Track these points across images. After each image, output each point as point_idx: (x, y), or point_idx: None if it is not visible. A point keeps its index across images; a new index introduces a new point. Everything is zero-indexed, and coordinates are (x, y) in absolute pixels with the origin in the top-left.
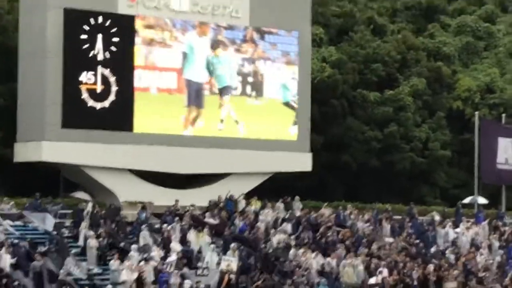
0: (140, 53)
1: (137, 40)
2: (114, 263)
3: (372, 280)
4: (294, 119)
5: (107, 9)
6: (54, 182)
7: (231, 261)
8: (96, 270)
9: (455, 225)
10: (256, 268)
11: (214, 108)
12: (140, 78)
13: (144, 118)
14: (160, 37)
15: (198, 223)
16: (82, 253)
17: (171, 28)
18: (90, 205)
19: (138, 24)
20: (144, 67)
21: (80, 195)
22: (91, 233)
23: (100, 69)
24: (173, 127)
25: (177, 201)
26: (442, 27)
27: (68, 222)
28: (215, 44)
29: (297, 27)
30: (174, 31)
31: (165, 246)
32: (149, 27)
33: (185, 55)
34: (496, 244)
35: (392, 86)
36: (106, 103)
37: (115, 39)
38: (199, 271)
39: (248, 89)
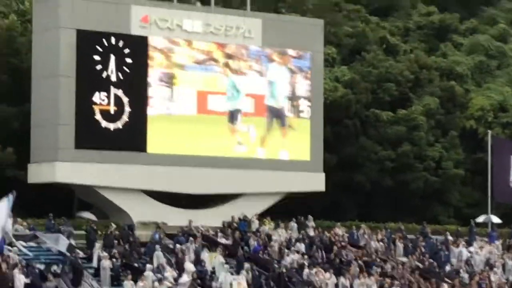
0: (153, 73)
1: (151, 61)
2: (127, 284)
3: None
4: (307, 139)
5: (120, 30)
6: (68, 202)
7: (241, 280)
8: None
9: (469, 244)
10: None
11: (229, 129)
12: (153, 99)
13: (158, 139)
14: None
15: (211, 243)
16: (96, 274)
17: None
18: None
19: (151, 45)
20: (157, 87)
21: (86, 215)
22: (105, 254)
23: (113, 90)
24: (186, 147)
25: (190, 221)
26: (455, 46)
27: (81, 243)
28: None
29: (310, 47)
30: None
31: (179, 266)
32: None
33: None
34: (510, 263)
35: (405, 105)
36: (119, 124)
37: (128, 60)
38: None
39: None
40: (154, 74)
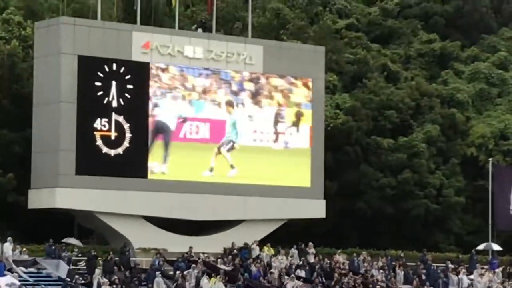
0: (154, 100)
1: (151, 88)
2: None
3: None
4: (308, 166)
5: (121, 56)
6: (68, 228)
7: None
8: None
9: (469, 271)
10: None
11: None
12: (154, 125)
13: (158, 165)
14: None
15: (211, 270)
16: None
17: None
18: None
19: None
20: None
21: (72, 241)
22: (105, 280)
23: (114, 116)
24: (187, 174)
25: (191, 247)
26: (456, 74)
27: (82, 269)
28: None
29: (311, 74)
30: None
31: None
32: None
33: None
34: None
35: (406, 132)
36: (120, 150)
37: (129, 86)
38: None
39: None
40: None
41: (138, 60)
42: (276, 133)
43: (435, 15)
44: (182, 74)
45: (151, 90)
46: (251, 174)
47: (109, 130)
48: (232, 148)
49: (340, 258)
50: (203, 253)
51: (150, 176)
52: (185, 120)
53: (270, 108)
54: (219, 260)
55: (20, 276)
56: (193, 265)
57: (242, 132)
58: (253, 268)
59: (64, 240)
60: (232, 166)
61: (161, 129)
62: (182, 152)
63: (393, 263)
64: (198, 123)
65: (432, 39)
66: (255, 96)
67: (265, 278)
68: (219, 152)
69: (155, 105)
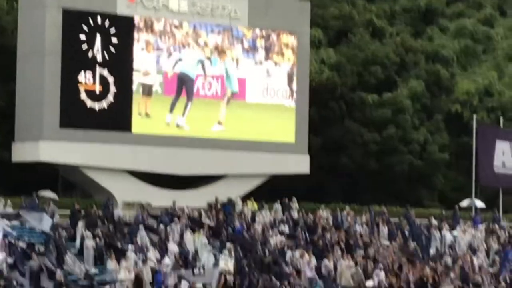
0: (138, 53)
1: (136, 41)
2: (111, 263)
3: (369, 283)
4: (292, 121)
5: (106, 9)
6: (52, 182)
7: (228, 261)
8: (93, 270)
9: (452, 228)
10: (252, 269)
11: (212, 110)
12: (143, 79)
13: (143, 119)
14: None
15: (195, 224)
16: (79, 253)
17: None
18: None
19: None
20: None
21: (47, 194)
22: (88, 233)
23: (98, 70)
24: (171, 128)
25: (174, 202)
26: (441, 30)
27: (65, 223)
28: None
29: (296, 29)
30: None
31: (162, 246)
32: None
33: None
34: (495, 246)
35: (390, 88)
36: (104, 104)
37: (114, 40)
38: (195, 271)
39: (248, 91)
40: (142, 54)
41: (122, 13)
42: (264, 88)
43: None
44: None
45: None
46: (235, 129)
47: (94, 83)
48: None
49: (323, 213)
50: (187, 207)
51: (134, 130)
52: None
53: (262, 64)
54: (202, 214)
55: (3, 229)
56: (176, 219)
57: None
58: (237, 223)
59: (38, 192)
60: (219, 122)
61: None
62: (165, 106)
63: (376, 219)
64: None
65: None
66: (248, 51)
67: (248, 233)
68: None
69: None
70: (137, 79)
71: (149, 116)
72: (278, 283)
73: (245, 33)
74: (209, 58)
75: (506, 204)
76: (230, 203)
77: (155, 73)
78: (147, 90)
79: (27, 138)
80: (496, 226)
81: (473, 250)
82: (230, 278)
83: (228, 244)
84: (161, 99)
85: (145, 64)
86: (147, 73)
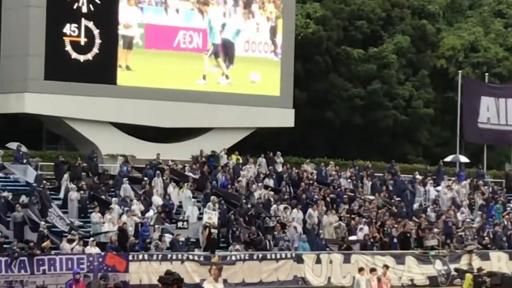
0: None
1: None
2: (95, 216)
3: (353, 237)
4: (278, 75)
5: None
6: (37, 134)
7: (212, 215)
8: (77, 222)
9: (437, 183)
10: (237, 222)
11: (197, 64)
12: (124, 31)
13: (127, 72)
14: None
15: (179, 177)
16: (63, 206)
17: None
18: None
19: None
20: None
21: (14, 146)
22: (73, 185)
23: (84, 22)
24: (156, 81)
25: (158, 154)
26: None
27: (49, 175)
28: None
29: None
30: None
31: (146, 199)
32: None
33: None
34: (479, 201)
35: (376, 43)
36: (89, 56)
37: None
38: (179, 225)
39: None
40: (125, 7)
41: None
42: (248, 42)
43: None
44: None
45: None
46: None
47: (79, 35)
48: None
49: (308, 167)
50: (172, 161)
51: (119, 83)
52: None
53: (249, 19)
54: (186, 167)
55: None
56: (158, 172)
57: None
58: (221, 176)
59: (7, 145)
60: (204, 77)
61: None
62: (147, 59)
63: (361, 173)
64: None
65: None
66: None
67: (232, 187)
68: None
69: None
70: (121, 31)
71: (129, 69)
72: (262, 236)
73: None
74: (192, 10)
75: (490, 159)
76: (214, 156)
77: (136, 26)
78: (128, 43)
79: (12, 90)
80: (480, 181)
81: (457, 205)
82: (214, 231)
83: (213, 198)
84: (142, 52)
85: (129, 17)
86: (128, 25)
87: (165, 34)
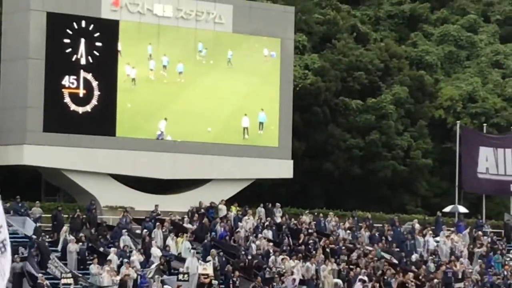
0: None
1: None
2: (94, 267)
3: None
4: (276, 126)
5: (90, 13)
6: (35, 185)
7: (206, 266)
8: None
9: (436, 233)
10: (235, 274)
11: (198, 115)
12: (123, 83)
13: (126, 123)
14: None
15: (178, 229)
16: (62, 257)
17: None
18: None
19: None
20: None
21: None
22: (71, 237)
23: (82, 74)
24: (154, 132)
25: (156, 206)
26: (425, 36)
27: (48, 227)
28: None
29: (280, 34)
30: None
31: (146, 251)
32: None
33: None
34: (477, 251)
35: (374, 94)
36: (88, 108)
37: (98, 44)
38: (180, 277)
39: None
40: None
41: (107, 17)
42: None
43: None
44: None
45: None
46: (219, 133)
47: (77, 87)
48: None
49: (306, 218)
50: (170, 213)
51: (118, 134)
52: None
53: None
54: (185, 219)
55: None
56: (158, 224)
57: None
58: (219, 228)
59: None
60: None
61: None
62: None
63: (360, 224)
64: None
65: (402, 1)
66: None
67: (231, 238)
68: None
69: None
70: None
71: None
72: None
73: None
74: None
75: (489, 210)
76: (213, 207)
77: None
78: None
79: (11, 142)
80: (479, 232)
81: (456, 256)
82: (215, 283)
83: (212, 250)
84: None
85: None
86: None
87: None
